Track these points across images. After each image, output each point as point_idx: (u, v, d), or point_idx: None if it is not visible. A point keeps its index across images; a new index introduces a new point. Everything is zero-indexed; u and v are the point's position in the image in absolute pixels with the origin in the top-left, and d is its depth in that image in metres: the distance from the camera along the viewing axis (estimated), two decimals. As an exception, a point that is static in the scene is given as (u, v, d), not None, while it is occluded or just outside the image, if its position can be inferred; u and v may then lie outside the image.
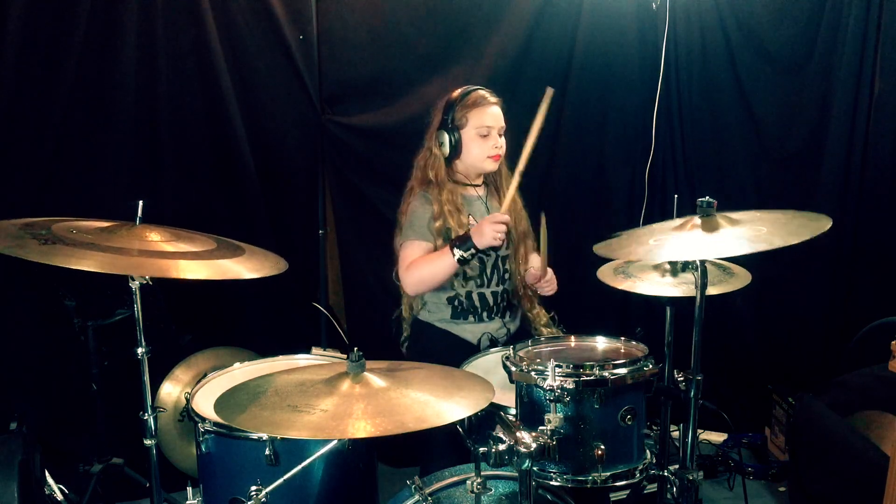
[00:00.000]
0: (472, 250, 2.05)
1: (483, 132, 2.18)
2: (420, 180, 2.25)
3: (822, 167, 3.02)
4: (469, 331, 2.26)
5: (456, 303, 2.25)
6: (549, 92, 2.07)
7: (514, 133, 2.25)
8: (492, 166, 2.24)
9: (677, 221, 1.76)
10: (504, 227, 2.05)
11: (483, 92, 2.22)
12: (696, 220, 1.70)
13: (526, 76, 3.08)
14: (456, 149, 2.19)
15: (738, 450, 3.05)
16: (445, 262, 2.09)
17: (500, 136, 2.23)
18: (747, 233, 1.62)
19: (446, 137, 2.18)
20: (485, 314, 2.26)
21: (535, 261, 2.34)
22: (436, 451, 2.08)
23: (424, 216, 2.18)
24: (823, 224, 1.65)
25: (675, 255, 1.78)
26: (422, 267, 2.13)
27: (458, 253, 2.05)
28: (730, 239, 1.62)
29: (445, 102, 2.22)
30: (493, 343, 2.25)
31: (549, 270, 2.22)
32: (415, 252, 2.16)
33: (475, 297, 2.25)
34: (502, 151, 2.23)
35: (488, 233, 2.03)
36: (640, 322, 3.03)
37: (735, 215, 1.73)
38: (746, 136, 3.16)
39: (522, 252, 2.32)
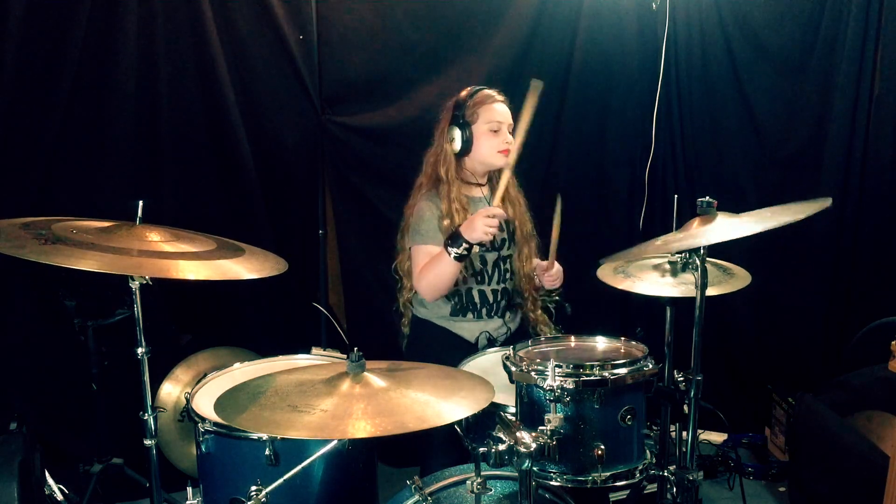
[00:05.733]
0: (465, 245, 2.04)
1: (494, 127, 2.21)
2: (430, 177, 2.26)
3: (822, 167, 3.02)
4: (467, 329, 2.26)
5: (455, 299, 2.25)
6: (536, 84, 2.07)
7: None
8: (502, 161, 2.23)
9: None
10: (496, 221, 2.04)
11: (490, 91, 2.26)
12: (696, 222, 1.70)
13: (526, 76, 3.03)
14: (467, 144, 2.20)
15: (736, 450, 3.06)
16: (445, 262, 2.10)
17: (509, 132, 2.24)
18: (748, 220, 1.62)
19: (458, 133, 2.19)
20: (484, 311, 2.26)
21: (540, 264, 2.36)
22: (436, 451, 2.09)
23: (433, 219, 2.19)
24: (825, 202, 1.64)
25: (682, 246, 1.74)
26: (428, 272, 2.14)
27: (452, 252, 2.06)
28: (732, 224, 1.62)
29: (454, 102, 2.24)
30: (491, 342, 2.26)
31: (557, 265, 2.23)
32: (425, 257, 2.18)
33: (475, 293, 2.25)
34: (511, 147, 2.25)
35: (479, 227, 2.02)
36: (640, 322, 3.02)
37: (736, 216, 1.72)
38: (746, 136, 3.16)
39: (526, 252, 2.32)
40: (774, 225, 1.55)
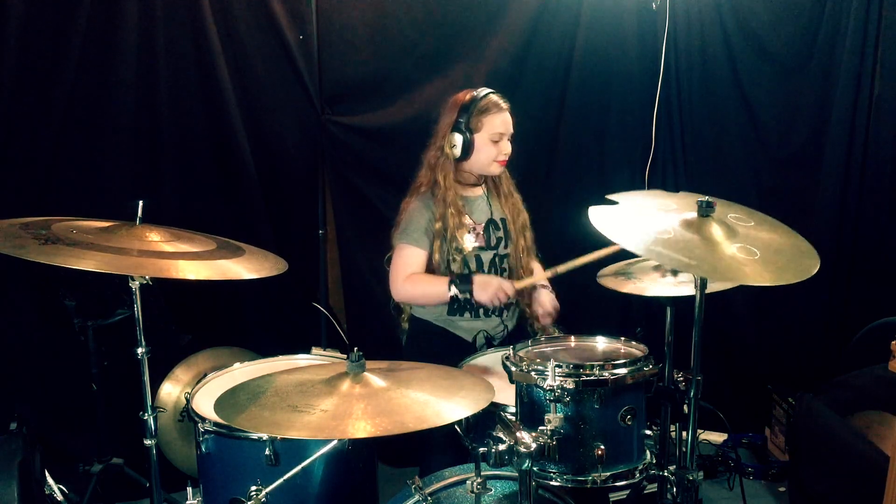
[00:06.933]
0: (468, 295, 2.11)
1: (496, 138, 2.20)
2: (428, 178, 2.26)
3: (822, 167, 3.02)
4: (465, 328, 2.27)
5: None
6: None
7: (516, 133, 2.26)
8: (497, 170, 2.26)
9: (678, 200, 1.74)
10: (506, 299, 2.12)
11: (496, 97, 2.23)
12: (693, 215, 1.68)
13: (526, 76, 3.08)
14: (467, 152, 2.20)
15: (736, 450, 3.06)
16: (440, 292, 2.14)
17: (509, 141, 2.24)
18: (734, 260, 1.51)
19: (460, 140, 2.18)
20: (481, 310, 2.26)
21: (538, 269, 2.36)
22: (435, 451, 2.09)
23: (421, 221, 2.19)
24: (812, 266, 1.52)
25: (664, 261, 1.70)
26: (418, 286, 2.18)
27: (454, 290, 2.12)
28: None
29: (460, 103, 2.21)
30: (489, 341, 2.26)
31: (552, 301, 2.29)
32: (408, 258, 2.19)
33: None
34: (508, 157, 2.25)
35: (491, 294, 2.09)
36: (641, 322, 3.03)
37: (732, 219, 1.70)
38: (746, 136, 3.15)
39: (522, 244, 2.33)
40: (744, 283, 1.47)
